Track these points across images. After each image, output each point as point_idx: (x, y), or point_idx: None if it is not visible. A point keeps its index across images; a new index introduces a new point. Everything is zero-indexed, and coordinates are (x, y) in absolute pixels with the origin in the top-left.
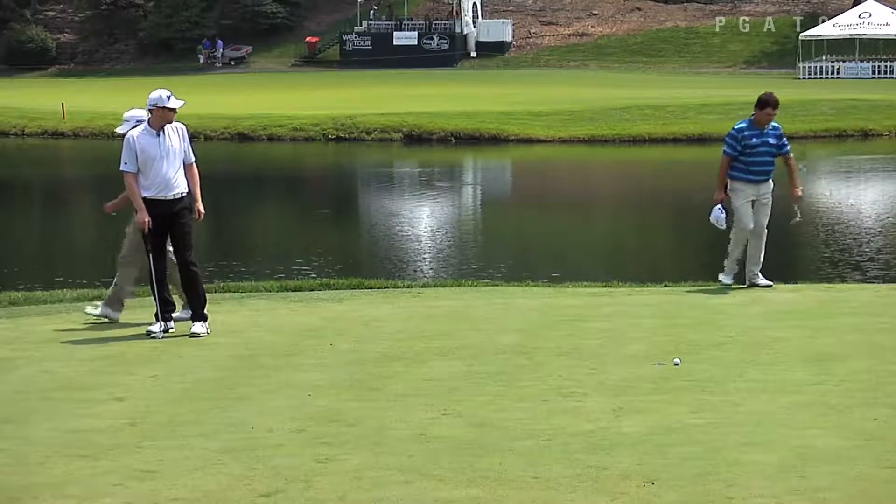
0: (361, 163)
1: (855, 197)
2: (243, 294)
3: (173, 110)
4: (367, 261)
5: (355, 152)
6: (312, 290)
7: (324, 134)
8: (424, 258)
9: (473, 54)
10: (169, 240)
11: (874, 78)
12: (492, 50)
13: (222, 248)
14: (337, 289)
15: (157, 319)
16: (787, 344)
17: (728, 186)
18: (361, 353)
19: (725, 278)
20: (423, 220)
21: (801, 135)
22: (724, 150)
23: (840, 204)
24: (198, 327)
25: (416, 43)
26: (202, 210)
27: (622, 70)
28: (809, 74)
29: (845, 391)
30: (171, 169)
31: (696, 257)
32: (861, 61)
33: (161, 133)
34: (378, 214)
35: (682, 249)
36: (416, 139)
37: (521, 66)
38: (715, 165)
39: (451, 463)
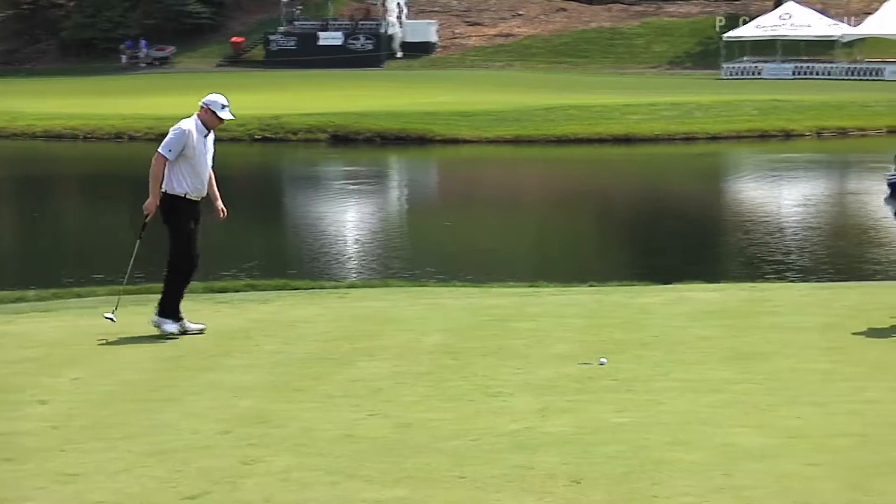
0: (287, 163)
1: (778, 197)
2: None
3: (221, 120)
4: (293, 262)
5: (281, 153)
6: (238, 290)
7: (249, 134)
8: (350, 259)
9: (399, 55)
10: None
11: (795, 78)
12: (417, 50)
13: (149, 247)
14: (263, 290)
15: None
16: (712, 343)
17: None
18: (288, 355)
19: None
20: (349, 220)
21: (725, 135)
22: None
23: (763, 204)
24: (168, 325)
25: (341, 43)
26: (224, 208)
27: (547, 70)
28: (732, 75)
29: (769, 390)
30: (206, 170)
31: (622, 257)
32: (783, 62)
33: (208, 135)
34: (304, 215)
35: (608, 249)
36: (341, 139)
37: (447, 67)
38: (640, 164)
39: (378, 463)
